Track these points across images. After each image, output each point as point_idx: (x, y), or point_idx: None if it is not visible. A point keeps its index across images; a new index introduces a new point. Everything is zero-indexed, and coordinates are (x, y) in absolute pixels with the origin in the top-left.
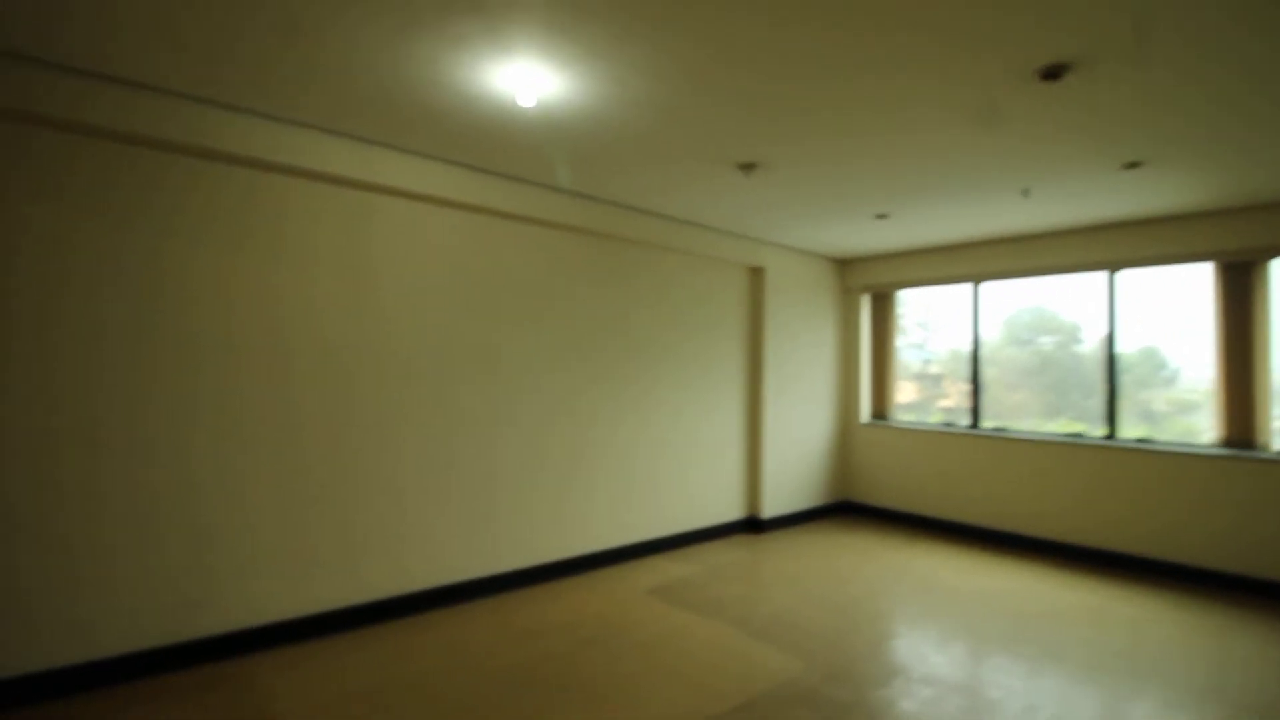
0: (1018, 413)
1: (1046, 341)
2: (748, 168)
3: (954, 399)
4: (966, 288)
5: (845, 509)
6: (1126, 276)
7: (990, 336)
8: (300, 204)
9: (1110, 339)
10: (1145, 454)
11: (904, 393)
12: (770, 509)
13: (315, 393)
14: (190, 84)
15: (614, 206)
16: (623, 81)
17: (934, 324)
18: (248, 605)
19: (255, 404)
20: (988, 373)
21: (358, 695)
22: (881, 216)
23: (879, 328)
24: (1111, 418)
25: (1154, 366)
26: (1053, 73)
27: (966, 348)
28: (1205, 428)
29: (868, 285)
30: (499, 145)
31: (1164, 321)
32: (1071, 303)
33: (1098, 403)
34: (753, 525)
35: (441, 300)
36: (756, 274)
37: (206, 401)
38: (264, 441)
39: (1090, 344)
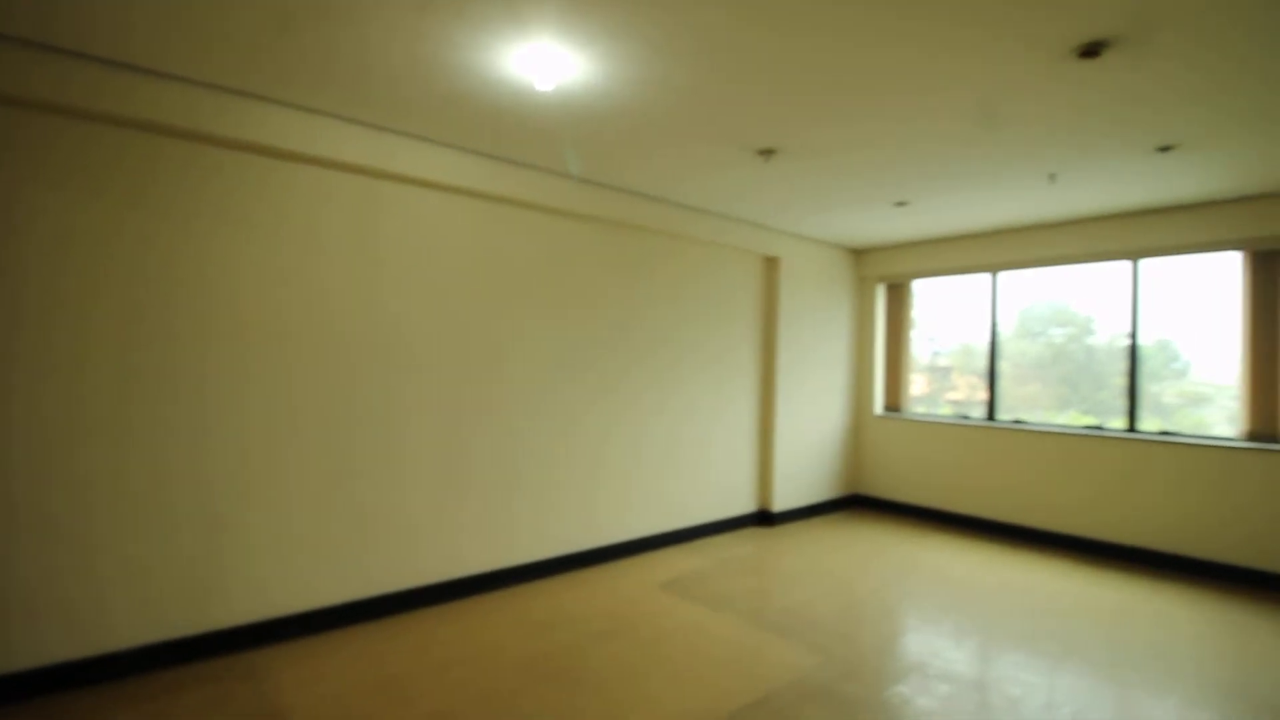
0: (1028, 405)
1: (1058, 334)
2: (767, 153)
3: (963, 392)
4: (983, 278)
5: (857, 502)
6: (1146, 267)
7: (1003, 329)
8: (306, 189)
9: (1133, 330)
10: (1168, 447)
11: (914, 385)
12: (781, 502)
13: (316, 380)
14: (199, 69)
15: (629, 194)
16: (642, 61)
17: (945, 315)
18: (257, 598)
19: (256, 391)
20: (1000, 365)
21: (366, 688)
22: (900, 204)
23: (893, 319)
24: (1132, 410)
25: (1166, 359)
26: (1091, 50)
27: (977, 340)
28: (1215, 421)
29: (883, 275)
30: (514, 132)
31: (1178, 313)
32: (1085, 296)
33: (1109, 395)
34: (764, 518)
35: (451, 290)
36: (771, 264)
37: (217, 387)
38: (259, 430)
39: (1103, 337)
